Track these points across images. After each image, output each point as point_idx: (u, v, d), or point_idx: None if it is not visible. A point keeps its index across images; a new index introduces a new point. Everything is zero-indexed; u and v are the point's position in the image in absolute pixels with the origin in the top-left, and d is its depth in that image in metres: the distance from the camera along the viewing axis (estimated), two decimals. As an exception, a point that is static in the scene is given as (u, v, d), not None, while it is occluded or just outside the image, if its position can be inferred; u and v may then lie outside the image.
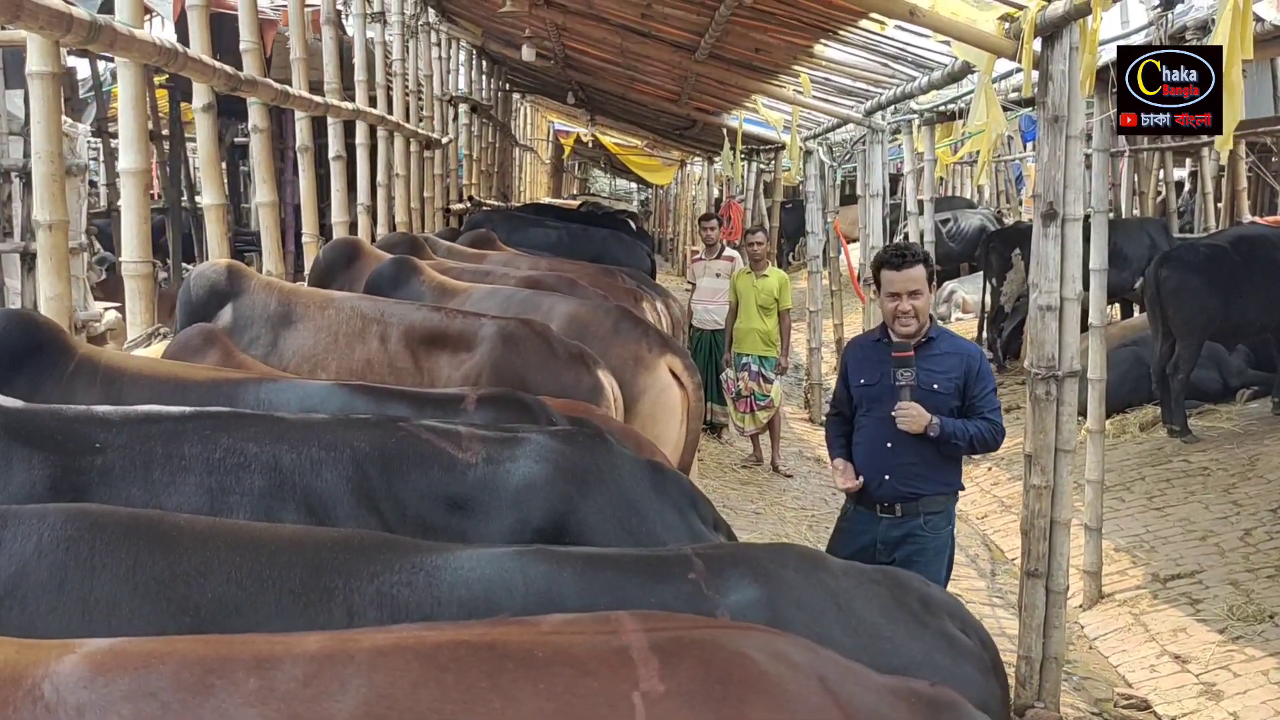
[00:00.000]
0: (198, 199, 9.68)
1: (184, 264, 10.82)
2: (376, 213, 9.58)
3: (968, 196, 21.31)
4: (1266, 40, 4.57)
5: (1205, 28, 4.62)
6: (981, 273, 12.89)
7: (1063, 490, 4.71)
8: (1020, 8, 4.56)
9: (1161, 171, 14.16)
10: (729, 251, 10.06)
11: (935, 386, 4.12)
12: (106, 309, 5.98)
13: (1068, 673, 5.22)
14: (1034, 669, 4.75)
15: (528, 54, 11.41)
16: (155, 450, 2.39)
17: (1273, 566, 6.02)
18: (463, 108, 14.18)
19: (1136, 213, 13.70)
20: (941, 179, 18.67)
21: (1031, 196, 8.40)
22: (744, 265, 9.30)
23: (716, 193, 20.15)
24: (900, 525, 4.17)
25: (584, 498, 2.52)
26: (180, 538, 1.96)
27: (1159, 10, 5.04)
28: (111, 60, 9.43)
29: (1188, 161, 16.40)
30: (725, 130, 13.28)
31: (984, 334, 12.38)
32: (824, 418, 6.79)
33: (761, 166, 16.74)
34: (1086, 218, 4.78)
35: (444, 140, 12.39)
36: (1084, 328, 5.23)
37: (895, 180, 13.39)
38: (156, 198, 15.79)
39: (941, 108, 8.43)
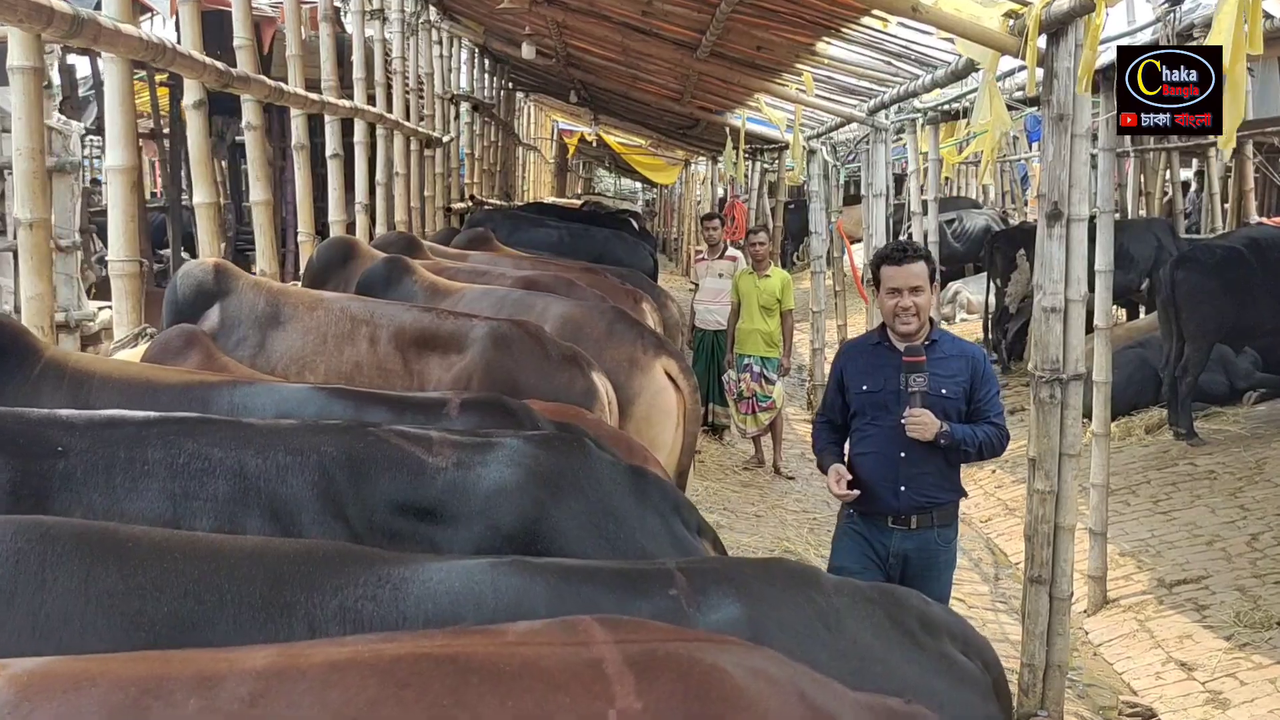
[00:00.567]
0: (196, 198, 9.59)
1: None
2: (375, 212, 9.51)
3: (973, 196, 21.22)
4: (1275, 38, 4.48)
5: (1212, 25, 4.54)
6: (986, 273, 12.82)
7: (1067, 496, 4.63)
8: (1025, 4, 4.48)
9: (1168, 171, 14.07)
10: (731, 251, 10.02)
11: (944, 391, 3.95)
12: (101, 308, 5.91)
13: (1072, 680, 5.15)
14: (1037, 676, 4.69)
15: (528, 52, 11.34)
16: (118, 455, 2.32)
17: (1280, 572, 5.94)
18: (464, 106, 14.12)
19: (1142, 213, 13.63)
20: (947, 179, 18.66)
21: (1036, 196, 8.31)
22: (746, 265, 9.23)
23: (721, 192, 20.09)
24: (912, 538, 4.00)
25: (557, 503, 2.43)
26: (135, 550, 1.88)
27: (1165, 7, 4.96)
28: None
29: (1194, 161, 16.30)
30: (728, 129, 13.21)
31: (988, 335, 12.30)
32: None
33: (765, 166, 16.66)
34: (1092, 218, 4.70)
35: (445, 139, 12.33)
36: (1089, 329, 5.14)
37: (900, 180, 13.30)
38: (158, 195, 15.81)
39: (945, 106, 8.35)
